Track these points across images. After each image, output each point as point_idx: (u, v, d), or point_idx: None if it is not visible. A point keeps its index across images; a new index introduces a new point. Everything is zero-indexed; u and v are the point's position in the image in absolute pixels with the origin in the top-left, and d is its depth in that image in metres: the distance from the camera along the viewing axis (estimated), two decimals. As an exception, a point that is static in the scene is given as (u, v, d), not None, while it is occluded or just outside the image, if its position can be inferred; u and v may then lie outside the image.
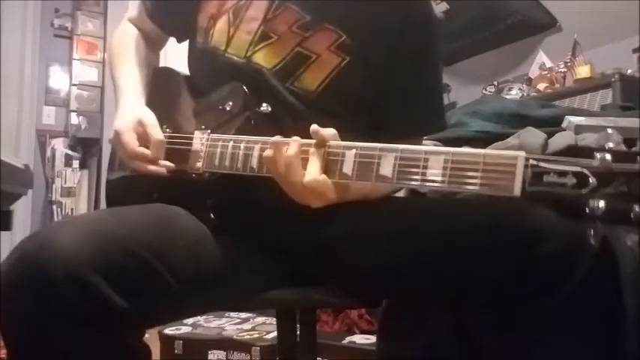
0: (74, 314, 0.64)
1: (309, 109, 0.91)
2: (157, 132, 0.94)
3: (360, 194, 0.85)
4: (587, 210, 0.54)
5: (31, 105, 3.70)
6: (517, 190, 0.58)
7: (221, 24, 0.98)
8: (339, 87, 0.93)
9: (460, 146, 1.42)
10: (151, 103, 1.01)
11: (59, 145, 3.77)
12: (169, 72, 1.10)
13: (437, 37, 1.02)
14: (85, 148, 3.82)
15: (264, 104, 0.91)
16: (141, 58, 1.08)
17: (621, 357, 0.71)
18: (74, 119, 3.79)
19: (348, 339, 1.89)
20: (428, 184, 0.66)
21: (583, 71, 2.42)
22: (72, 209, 3.71)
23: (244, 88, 0.91)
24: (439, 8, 3.02)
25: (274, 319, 1.12)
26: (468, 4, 2.95)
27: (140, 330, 0.75)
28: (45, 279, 0.64)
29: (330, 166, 0.75)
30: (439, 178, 0.65)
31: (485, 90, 2.95)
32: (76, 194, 3.75)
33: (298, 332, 1.05)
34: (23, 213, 3.38)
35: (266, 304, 0.99)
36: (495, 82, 2.93)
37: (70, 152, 3.77)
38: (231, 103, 0.92)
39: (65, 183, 3.72)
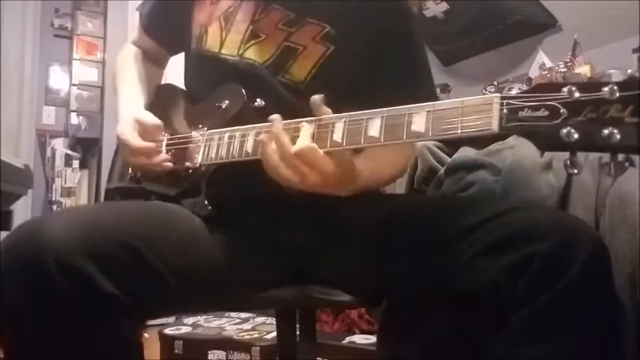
0: (65, 299, 0.65)
1: (300, 99, 0.92)
2: (152, 118, 0.98)
3: (369, 180, 0.88)
4: (560, 138, 0.58)
5: (31, 105, 3.69)
6: (495, 126, 0.62)
7: (213, 29, 1.02)
8: (326, 75, 0.96)
9: (461, 146, 1.43)
10: (153, 113, 1.03)
11: (59, 145, 3.77)
12: (170, 87, 1.15)
13: (415, 20, 1.07)
14: (85, 148, 3.82)
15: (257, 99, 0.93)
16: (140, 71, 1.14)
17: (619, 356, 0.71)
18: (74, 119, 3.78)
19: (348, 339, 1.89)
20: (414, 137, 0.69)
21: (583, 71, 2.41)
22: (72, 209, 3.71)
23: (240, 87, 0.93)
24: (439, 8, 3.02)
25: (274, 319, 1.12)
26: (468, 4, 2.95)
27: (135, 321, 0.74)
28: (35, 265, 0.65)
29: (320, 135, 0.77)
30: (423, 130, 0.68)
31: (485, 90, 2.94)
32: (76, 194, 3.75)
33: (298, 332, 1.06)
34: (23, 213, 3.37)
35: (266, 303, 1.00)
36: (495, 82, 2.92)
37: (70, 152, 3.77)
38: (227, 102, 0.94)
39: (65, 183, 3.72)
